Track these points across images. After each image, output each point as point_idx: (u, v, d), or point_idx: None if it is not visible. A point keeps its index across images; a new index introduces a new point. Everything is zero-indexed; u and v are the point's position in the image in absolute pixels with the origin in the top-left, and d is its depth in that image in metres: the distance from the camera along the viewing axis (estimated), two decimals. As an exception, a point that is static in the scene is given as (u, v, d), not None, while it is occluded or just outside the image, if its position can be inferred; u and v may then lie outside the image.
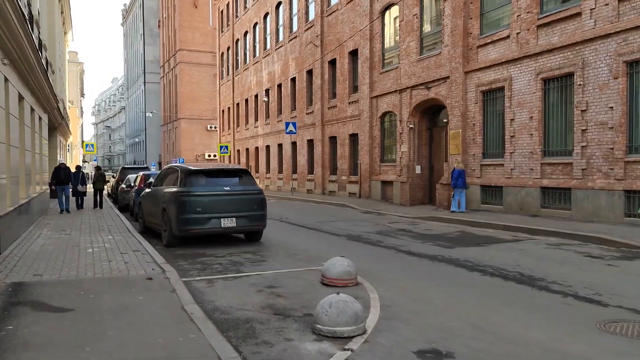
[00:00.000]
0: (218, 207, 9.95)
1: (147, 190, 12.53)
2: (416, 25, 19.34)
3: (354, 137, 24.79)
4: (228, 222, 9.98)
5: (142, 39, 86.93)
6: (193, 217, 9.77)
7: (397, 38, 20.92)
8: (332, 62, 26.66)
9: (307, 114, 29.58)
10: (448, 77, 17.51)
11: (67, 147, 41.75)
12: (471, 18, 16.59)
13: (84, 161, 62.87)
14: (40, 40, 14.72)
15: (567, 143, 13.51)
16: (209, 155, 70.62)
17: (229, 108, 46.03)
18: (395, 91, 20.68)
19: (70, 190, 18.20)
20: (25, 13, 10.51)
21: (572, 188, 13.14)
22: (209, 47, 68.00)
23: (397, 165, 20.77)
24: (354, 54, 24.58)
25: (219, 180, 10.35)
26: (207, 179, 10.23)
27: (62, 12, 31.02)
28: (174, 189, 10.25)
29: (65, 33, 38.54)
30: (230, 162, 45.25)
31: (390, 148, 22.01)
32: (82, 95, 78.14)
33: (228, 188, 10.15)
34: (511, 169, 15.03)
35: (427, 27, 19.25)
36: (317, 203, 22.52)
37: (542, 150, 14.07)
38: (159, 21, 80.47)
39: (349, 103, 24.81)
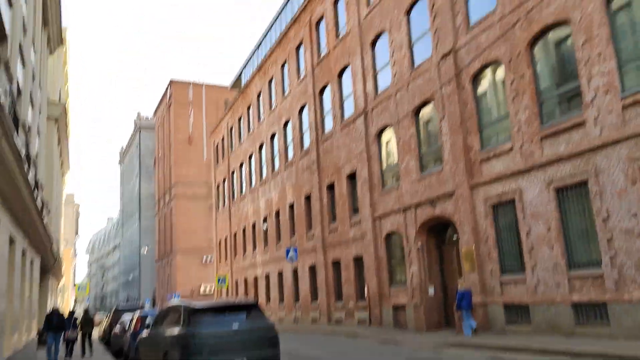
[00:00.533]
0: (228, 347, 8.84)
1: (145, 333, 11.36)
2: (414, 145, 19.49)
3: (358, 260, 23.90)
4: (240, 367, 8.81)
5: (138, 176, 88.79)
6: (200, 361, 8.62)
7: (396, 158, 21.02)
8: (330, 187, 26.63)
9: (307, 239, 28.91)
10: (453, 193, 17.19)
11: (59, 290, 40.15)
12: (470, 134, 16.71)
13: (75, 301, 60.45)
14: (36, 180, 14.40)
15: (592, 253, 12.75)
16: (205, 289, 68.51)
17: (225, 238, 45.40)
18: (399, 210, 20.27)
19: (63, 337, 16.26)
20: (23, 153, 10.23)
21: (607, 302, 12.13)
22: (203, 180, 69.20)
23: (408, 288, 19.67)
24: (352, 177, 24.60)
25: (227, 317, 9.34)
26: (213, 317, 9.23)
27: (60, 155, 31.57)
28: (177, 330, 9.18)
29: (62, 175, 39.03)
30: (228, 294, 43.53)
31: (398, 269, 21.05)
32: (77, 234, 77.70)
33: (237, 326, 9.11)
34: (535, 285, 14.07)
35: (425, 146, 19.39)
36: (326, 334, 20.96)
37: (567, 263, 13.25)
38: (155, 159, 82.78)
39: (351, 225, 24.29)
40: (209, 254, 70.08)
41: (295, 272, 30.03)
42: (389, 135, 21.81)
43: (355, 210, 24.36)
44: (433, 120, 19.03)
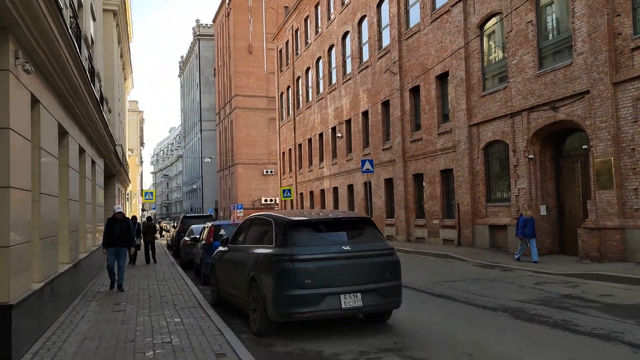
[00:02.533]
0: (336, 277, 6.61)
1: (222, 248, 9.37)
2: (532, 35, 15.85)
3: (446, 174, 21.17)
4: (351, 300, 6.58)
5: (198, 87, 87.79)
6: (300, 293, 6.44)
7: (503, 53, 17.48)
8: (414, 90, 23.44)
9: (383, 150, 26.28)
10: (587, 92, 13.79)
11: (127, 196, 40.13)
12: (619, 15, 12.97)
13: (142, 210, 61.87)
14: (91, 66, 12.25)
15: None
16: (266, 200, 69.01)
17: (290, 150, 43.51)
18: (505, 116, 17.06)
19: (130, 251, 12.83)
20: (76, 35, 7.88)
21: None
22: (264, 92, 67.35)
23: (511, 206, 16.91)
24: (442, 77, 21.29)
25: (334, 236, 7.04)
26: (316, 235, 6.95)
27: (121, 56, 29.66)
28: (268, 251, 7.00)
29: (125, 79, 37.50)
30: (293, 207, 42.32)
31: (499, 185, 18.21)
32: (142, 144, 78.61)
33: (349, 248, 6.79)
34: None
35: (547, 35, 15.73)
36: (409, 253, 18.82)
37: None
38: (215, 69, 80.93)
39: (439, 134, 21.34)
40: (270, 166, 69.99)
41: (367, 186, 27.72)
42: (494, 26, 18.12)
43: (445, 117, 21.28)
44: (560, 1, 15.21)
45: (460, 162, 19.59)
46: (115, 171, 23.11)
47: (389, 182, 26.14)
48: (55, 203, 8.06)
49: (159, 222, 61.04)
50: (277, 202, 65.72)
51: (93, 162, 14.09)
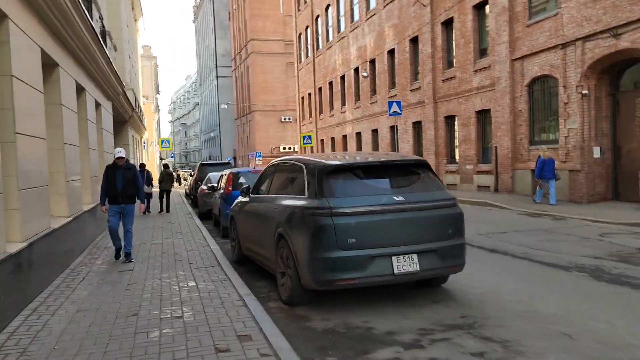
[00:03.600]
0: (387, 234, 5.26)
1: (243, 199, 8.08)
2: (591, -50, 13.68)
3: (483, 114, 19.43)
4: (405, 263, 5.24)
5: (213, 33, 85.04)
6: (343, 256, 5.12)
7: (554, -25, 15.34)
8: (447, 23, 21.34)
9: (411, 91, 24.45)
10: (660, 14, 11.83)
11: (143, 144, 39.13)
12: None
13: (160, 158, 61.10)
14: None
15: None
16: (284, 148, 67.98)
17: (309, 94, 41.69)
18: (555, 47, 15.13)
19: (141, 204, 9.20)
20: None
21: None
22: (280, 35, 64.84)
23: (560, 148, 15.26)
24: (480, 7, 19.16)
25: (382, 184, 5.64)
26: (360, 183, 5.55)
27: (128, -6, 27.81)
28: (299, 203, 5.65)
29: (135, 20, 35.65)
30: (314, 153, 40.97)
31: (545, 125, 16.49)
32: (158, 91, 77.14)
33: (402, 198, 5.39)
34: None
35: (610, -51, 13.55)
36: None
37: None
38: (229, 13, 77.93)
39: (475, 71, 19.43)
40: (288, 113, 68.51)
41: (393, 130, 26.07)
42: (545, -57, 15.87)
43: (482, 52, 19.31)
44: None
45: (500, 101, 17.80)
46: (127, 117, 21.86)
47: (417, 126, 24.48)
48: (42, 147, 6.76)
49: (177, 171, 60.44)
50: (296, 149, 64.52)
51: (98, 104, 12.75)
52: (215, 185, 13.87)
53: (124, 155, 8.40)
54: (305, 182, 5.74)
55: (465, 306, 5.46)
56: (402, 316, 5.18)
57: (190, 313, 5.11)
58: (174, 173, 19.79)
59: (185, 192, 29.25)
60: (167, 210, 17.55)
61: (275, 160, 7.28)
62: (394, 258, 5.23)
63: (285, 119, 69.52)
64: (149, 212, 17.29)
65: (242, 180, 11.56)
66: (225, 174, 12.52)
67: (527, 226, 11.12)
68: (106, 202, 8.41)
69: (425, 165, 5.92)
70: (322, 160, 5.79)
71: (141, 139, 35.71)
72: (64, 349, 4.20)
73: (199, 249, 9.39)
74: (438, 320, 5.01)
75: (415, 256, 5.29)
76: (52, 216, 7.34)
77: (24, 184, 5.69)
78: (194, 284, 6.47)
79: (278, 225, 6.02)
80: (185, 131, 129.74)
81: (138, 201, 8.80)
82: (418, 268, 5.28)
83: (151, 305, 5.48)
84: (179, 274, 7.15)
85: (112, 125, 15.78)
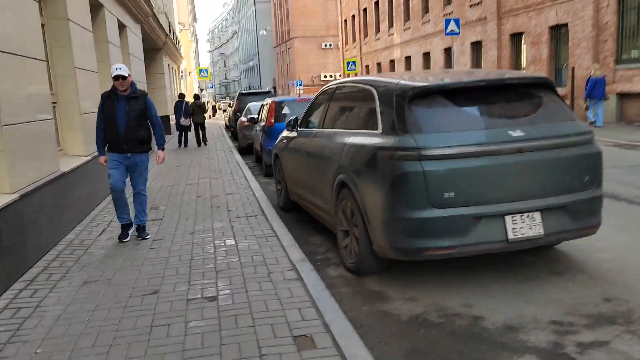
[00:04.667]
0: (498, 185, 3.72)
1: (289, 134, 6.60)
2: None
3: (558, 30, 16.90)
4: (524, 225, 3.71)
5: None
6: (436, 216, 3.63)
7: None
8: None
9: (470, 7, 21.78)
10: None
11: (181, 75, 37.80)
12: None
13: (200, 89, 59.90)
14: None
15: None
16: (325, 77, 65.75)
17: (353, 16, 38.88)
18: (660, -59, 12.41)
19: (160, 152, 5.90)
20: None
21: None
22: (320, -48, 60.88)
23: (657, 67, 12.93)
24: None
25: (489, 113, 4.01)
26: (459, 112, 3.94)
27: None
28: (371, 141, 4.11)
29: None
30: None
31: (637, 41, 14.01)
32: (195, 19, 74.83)
33: (520, 133, 3.76)
34: None
35: None
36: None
37: None
38: None
39: (550, -21, 16.71)
40: (329, 39, 65.86)
41: (448, 52, 23.64)
42: None
43: (560, -46, 16.48)
44: None
45: (580, 13, 15.26)
46: (160, 43, 20.35)
47: (476, 47, 22.01)
48: (42, 71, 5.39)
49: (216, 102, 59.22)
50: (339, 76, 62.14)
51: (122, 26, 11.27)
52: (256, 116, 12.42)
53: (126, 74, 5.22)
54: (378, 111, 4.17)
55: (602, 281, 3.92)
56: (518, 296, 3.72)
57: (228, 292, 3.79)
58: (205, 103, 18.54)
59: (225, 124, 28.08)
60: (205, 143, 16.57)
61: (331, 84, 5.67)
62: (507, 218, 3.70)
63: (326, 45, 66.88)
64: (186, 145, 16.34)
65: (286, 110, 10.05)
66: (267, 104, 11.00)
67: (625, 161, 9.27)
68: (105, 151, 5.53)
69: (548, 86, 4.19)
70: (402, 81, 4.16)
71: (178, 68, 34.31)
72: (48, 356, 2.97)
73: (240, 191, 8.08)
74: (573, 306, 3.52)
75: (537, 215, 3.74)
76: (60, 157, 6.11)
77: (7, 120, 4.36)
78: (233, 242, 5.16)
79: (339, 170, 4.53)
80: (224, 61, 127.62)
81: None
82: (542, 231, 3.74)
83: (177, 276, 4.20)
84: (215, 227, 5.87)
85: (142, 52, 14.34)
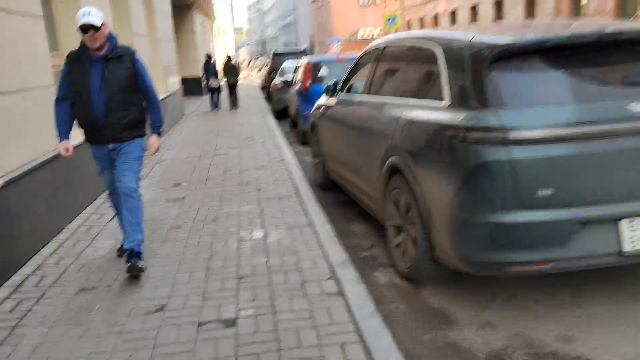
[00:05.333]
0: (610, 180, 2.72)
1: (328, 101, 5.66)
2: None
3: (629, -22, 15.03)
4: (645, 235, 2.74)
5: None
6: (528, 221, 2.69)
7: None
8: None
9: (526, -47, 19.80)
10: None
11: (215, 33, 36.83)
12: None
13: (235, 47, 58.88)
14: None
15: None
16: (363, 34, 63.62)
17: (394, -33, 36.71)
18: None
19: (155, 138, 3.97)
20: None
21: None
22: None
23: None
24: None
25: (599, 81, 2.97)
26: (556, 78, 2.91)
27: None
28: (435, 115, 3.15)
29: None
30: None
31: None
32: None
33: (642, 108, 2.74)
34: None
35: None
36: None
37: None
38: None
39: None
40: None
41: (499, 5, 21.79)
42: None
43: None
44: None
45: (659, -45, 13.39)
46: (192, -1, 19.36)
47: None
48: (39, 30, 4.58)
49: (251, 60, 58.07)
50: (378, 33, 59.99)
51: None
52: (290, 78, 11.46)
53: (99, 22, 3.42)
54: (444, 77, 3.18)
55: None
56: (634, 327, 2.78)
57: (251, 312, 2.97)
58: (239, 64, 17.72)
59: (262, 84, 27.19)
60: (236, 106, 15.82)
61: (379, 41, 4.64)
62: (623, 224, 2.73)
63: (364, 1, 64.54)
64: (218, 108, 15.63)
65: (323, 72, 9.06)
66: (302, 65, 10.01)
67: None
68: (69, 135, 3.75)
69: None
70: (476, 36, 3.14)
71: (212, 26, 33.31)
72: None
73: (272, 164, 7.25)
74: None
75: (665, 220, 2.75)
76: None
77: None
78: (261, 234, 4.34)
79: (390, 151, 3.61)
80: (261, 18, 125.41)
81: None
82: (672, 243, 2.76)
83: (191, 283, 3.42)
84: (242, 211, 5.06)
85: (169, 6, 13.44)
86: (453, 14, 27.56)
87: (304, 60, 9.91)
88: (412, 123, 3.37)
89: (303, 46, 66.38)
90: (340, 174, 5.19)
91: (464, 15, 26.00)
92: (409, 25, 35.24)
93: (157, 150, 3.87)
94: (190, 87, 19.86)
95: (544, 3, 18.77)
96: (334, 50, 52.57)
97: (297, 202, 5.25)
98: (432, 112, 3.19)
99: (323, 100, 5.97)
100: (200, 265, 3.72)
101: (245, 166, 7.19)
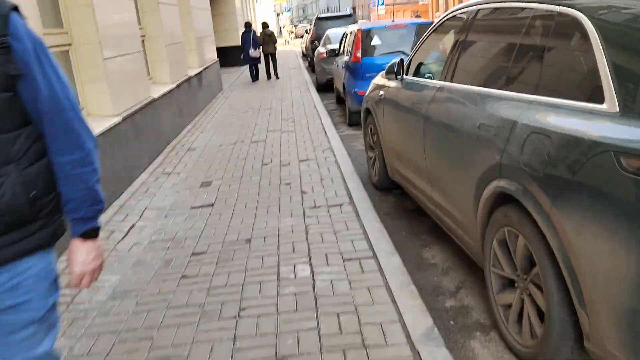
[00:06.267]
0: None
1: (388, 83, 4.46)
2: None
3: None
4: None
5: None
6: None
7: None
8: None
9: None
10: None
11: (255, -2, 35.39)
12: None
13: (276, 14, 57.15)
14: None
15: None
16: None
17: None
18: None
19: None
20: None
21: None
22: None
23: None
24: None
25: None
26: None
27: None
28: (586, 127, 1.95)
29: None
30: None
31: None
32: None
33: None
34: None
35: None
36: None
37: None
38: None
39: None
40: None
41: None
42: None
43: None
44: None
45: None
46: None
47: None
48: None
49: (293, 26, 56.19)
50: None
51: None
52: (337, 47, 10.18)
53: None
54: (606, 66, 1.95)
55: None
56: None
57: None
58: (279, 34, 16.63)
59: (302, 52, 25.83)
60: (276, 77, 14.92)
61: (466, 4, 3.38)
62: None
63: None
64: (257, 79, 14.68)
65: (376, 41, 7.77)
66: (351, 33, 8.72)
67: None
68: None
69: None
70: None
71: (251, -9, 31.89)
72: None
73: (317, 154, 6.15)
74: None
75: None
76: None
77: None
78: (308, 271, 3.26)
79: (499, 170, 2.43)
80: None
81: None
82: None
83: (211, 364, 2.42)
84: (283, 227, 4.00)
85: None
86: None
87: (353, 28, 8.62)
88: (545, 135, 2.16)
89: (347, 9, 63.92)
90: (407, 178, 4.04)
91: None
92: (459, -16, 32.74)
93: (90, 281, 1.53)
94: (231, 57, 18.84)
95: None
96: (378, 14, 50.14)
97: (352, 214, 4.14)
98: (584, 121, 1.99)
99: (382, 80, 4.78)
100: (224, 333, 2.67)
101: (286, 158, 6.11)
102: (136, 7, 7.01)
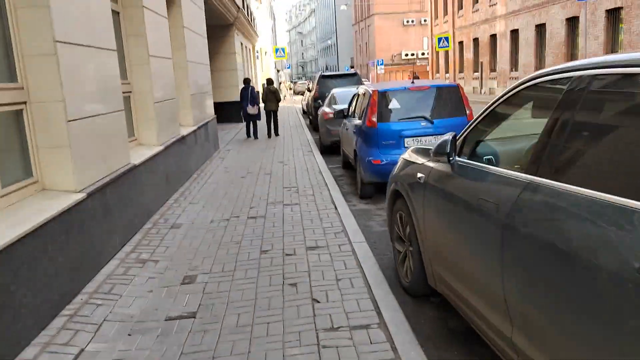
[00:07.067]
0: None
1: (431, 162, 3.41)
2: None
3: None
4: None
5: None
6: None
7: None
8: None
9: (610, -36, 17.28)
10: None
11: (256, 54, 35.33)
12: None
13: (277, 70, 57.50)
14: None
15: None
16: (407, 55, 62.15)
17: (445, -14, 34.63)
18: None
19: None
20: None
21: None
22: None
23: None
24: None
25: None
26: None
27: None
28: None
29: None
30: (450, 60, 34.38)
31: None
32: (272, -3, 72.41)
33: None
34: None
35: None
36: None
37: None
38: None
39: None
40: (411, 15, 62.82)
41: (572, 23, 19.22)
42: None
43: None
44: None
45: None
46: (231, 18, 17.65)
47: (612, 15, 17.51)
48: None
49: (292, 82, 56.43)
50: (421, 55, 58.08)
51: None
52: (345, 108, 9.28)
53: None
54: None
55: None
56: None
57: None
58: (279, 90, 15.92)
59: (303, 109, 25.24)
60: (276, 134, 14.18)
61: (567, 67, 2.36)
62: None
63: (408, 21, 63.30)
64: (256, 137, 13.82)
65: (394, 104, 6.82)
66: (363, 94, 7.79)
67: None
68: None
69: None
70: None
71: (253, 48, 31.78)
72: None
73: (328, 239, 5.03)
74: None
75: None
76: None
77: None
78: None
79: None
80: (302, 40, 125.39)
81: None
82: None
83: None
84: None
85: (204, 26, 11.57)
86: (514, 32, 25.03)
87: (366, 89, 7.70)
88: None
89: (347, 68, 64.66)
90: (463, 298, 2.90)
91: (526, 35, 23.46)
92: (461, 47, 32.85)
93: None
94: (230, 112, 18.14)
95: (633, 19, 16.15)
96: (377, 72, 50.54)
97: (386, 345, 2.99)
98: None
99: (415, 157, 3.75)
100: None
101: (290, 243, 4.98)
102: (123, 59, 6.09)
